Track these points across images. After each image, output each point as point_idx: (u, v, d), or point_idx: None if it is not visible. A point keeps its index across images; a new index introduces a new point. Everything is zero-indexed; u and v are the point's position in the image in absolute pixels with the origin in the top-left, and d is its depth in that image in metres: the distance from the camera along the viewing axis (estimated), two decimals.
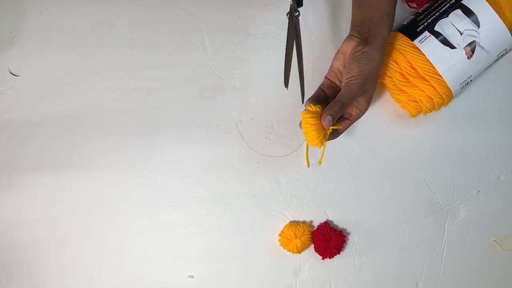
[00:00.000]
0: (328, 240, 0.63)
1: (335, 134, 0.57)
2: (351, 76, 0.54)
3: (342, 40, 0.57)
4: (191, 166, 0.64)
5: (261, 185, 0.65)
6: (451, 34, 0.58)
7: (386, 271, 0.65)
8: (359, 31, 0.56)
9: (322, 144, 0.54)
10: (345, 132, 0.57)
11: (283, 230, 0.64)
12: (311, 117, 0.53)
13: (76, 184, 0.64)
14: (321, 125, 0.53)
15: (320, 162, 0.57)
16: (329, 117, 0.52)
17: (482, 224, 0.66)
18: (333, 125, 0.54)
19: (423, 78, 0.59)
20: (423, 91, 0.59)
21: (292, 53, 0.56)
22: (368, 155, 0.65)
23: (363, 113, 0.57)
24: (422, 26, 0.59)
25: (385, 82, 0.62)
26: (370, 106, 0.64)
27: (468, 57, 0.58)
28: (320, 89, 0.58)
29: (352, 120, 0.57)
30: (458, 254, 0.66)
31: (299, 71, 0.55)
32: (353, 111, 0.56)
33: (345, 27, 0.62)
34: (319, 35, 0.65)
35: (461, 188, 0.66)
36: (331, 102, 0.54)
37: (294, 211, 0.65)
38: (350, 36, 0.56)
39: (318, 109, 0.54)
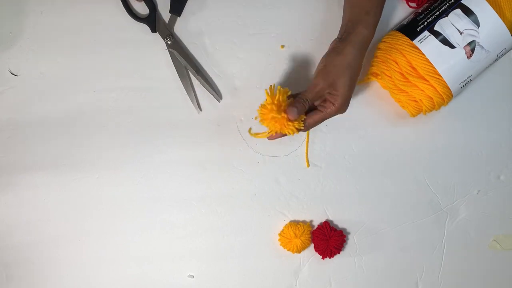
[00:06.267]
0: (328, 239, 0.63)
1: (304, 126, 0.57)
2: (316, 70, 0.56)
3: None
4: (191, 166, 0.64)
5: (261, 184, 0.65)
6: (451, 33, 0.58)
7: (386, 271, 0.65)
8: (341, 31, 0.57)
9: (295, 132, 0.55)
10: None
11: (283, 229, 0.64)
12: (265, 111, 0.55)
13: (76, 184, 0.64)
14: (280, 117, 0.54)
15: (308, 165, 0.61)
16: (292, 108, 0.54)
17: (482, 224, 0.66)
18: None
19: (423, 78, 0.59)
20: (423, 90, 0.59)
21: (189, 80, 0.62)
22: (368, 155, 0.65)
23: (340, 110, 0.56)
24: (422, 26, 0.59)
25: (385, 82, 0.62)
26: (369, 106, 0.65)
27: (468, 57, 0.58)
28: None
29: (325, 113, 0.56)
30: (458, 254, 0.66)
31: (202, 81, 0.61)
32: (328, 105, 0.56)
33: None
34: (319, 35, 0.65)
35: (461, 188, 0.66)
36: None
37: (294, 211, 0.65)
38: (336, 38, 0.58)
39: (275, 102, 0.54)
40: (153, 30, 0.62)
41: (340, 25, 0.59)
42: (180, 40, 0.63)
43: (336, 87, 0.55)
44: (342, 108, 0.56)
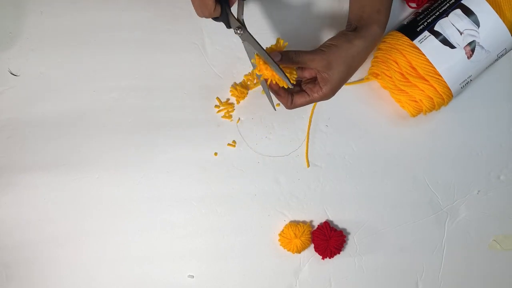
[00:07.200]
0: (328, 240, 0.63)
1: (289, 99, 0.56)
2: (321, 45, 0.55)
3: None
4: (191, 166, 0.64)
5: (261, 185, 0.65)
6: (451, 34, 0.58)
7: (386, 271, 0.65)
8: (351, 25, 0.57)
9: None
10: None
11: (283, 230, 0.64)
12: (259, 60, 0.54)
13: (76, 184, 0.64)
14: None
15: (308, 165, 0.59)
16: (276, 53, 0.53)
17: (482, 224, 0.66)
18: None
19: (423, 78, 0.59)
20: (423, 91, 0.59)
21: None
22: (368, 155, 0.65)
23: (325, 96, 0.56)
24: (422, 26, 0.59)
25: (385, 82, 0.62)
26: (369, 106, 0.65)
27: (468, 57, 0.58)
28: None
29: (311, 98, 0.56)
30: (458, 254, 0.66)
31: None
32: (316, 90, 0.55)
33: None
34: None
35: (461, 188, 0.66)
36: None
37: (294, 211, 0.65)
38: (344, 30, 0.57)
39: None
40: (228, 26, 0.55)
41: (347, 20, 0.58)
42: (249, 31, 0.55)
43: (330, 71, 0.54)
44: (328, 95, 0.56)
